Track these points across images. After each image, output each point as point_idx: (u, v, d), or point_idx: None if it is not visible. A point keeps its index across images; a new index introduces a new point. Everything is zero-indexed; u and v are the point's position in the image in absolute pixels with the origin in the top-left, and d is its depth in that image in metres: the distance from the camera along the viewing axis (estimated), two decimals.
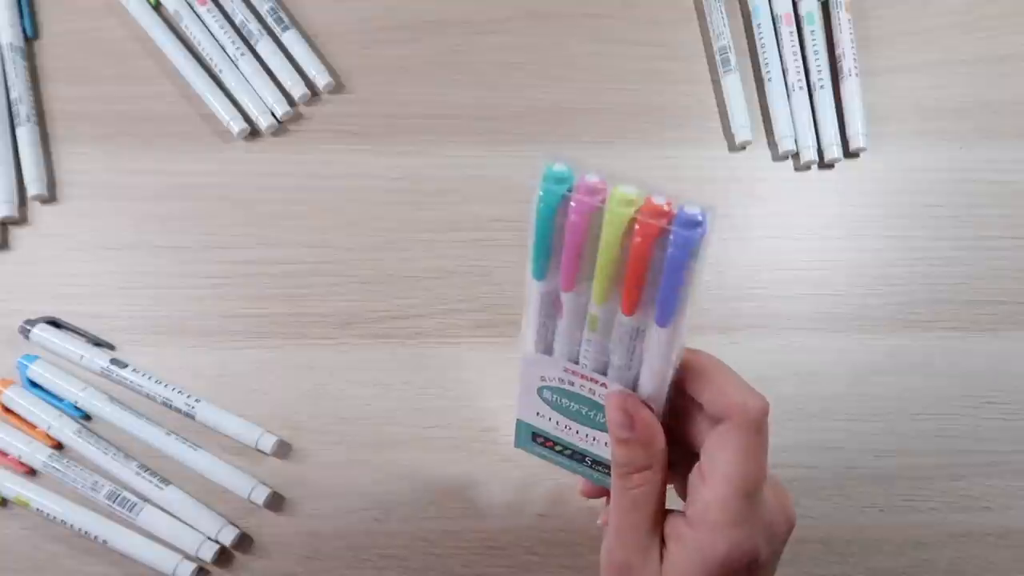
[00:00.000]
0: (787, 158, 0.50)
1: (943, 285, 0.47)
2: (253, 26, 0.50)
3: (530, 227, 0.24)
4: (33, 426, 0.42)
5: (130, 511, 0.40)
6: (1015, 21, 0.53)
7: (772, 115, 0.50)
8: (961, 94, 0.52)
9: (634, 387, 0.27)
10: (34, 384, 0.43)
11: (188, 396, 0.42)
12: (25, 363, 0.43)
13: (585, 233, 0.23)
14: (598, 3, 0.53)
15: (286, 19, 0.50)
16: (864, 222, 0.49)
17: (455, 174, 0.48)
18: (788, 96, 0.50)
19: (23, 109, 0.47)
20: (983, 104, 0.51)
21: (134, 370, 0.43)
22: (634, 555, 0.27)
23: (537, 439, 0.32)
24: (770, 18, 0.52)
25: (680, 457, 0.28)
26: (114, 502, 0.40)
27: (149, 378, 0.43)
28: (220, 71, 0.49)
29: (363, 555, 0.41)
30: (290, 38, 0.50)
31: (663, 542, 0.27)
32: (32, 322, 0.44)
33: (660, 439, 0.27)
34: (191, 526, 0.40)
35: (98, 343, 0.44)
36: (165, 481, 0.41)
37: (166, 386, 0.42)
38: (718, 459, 0.26)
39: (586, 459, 0.31)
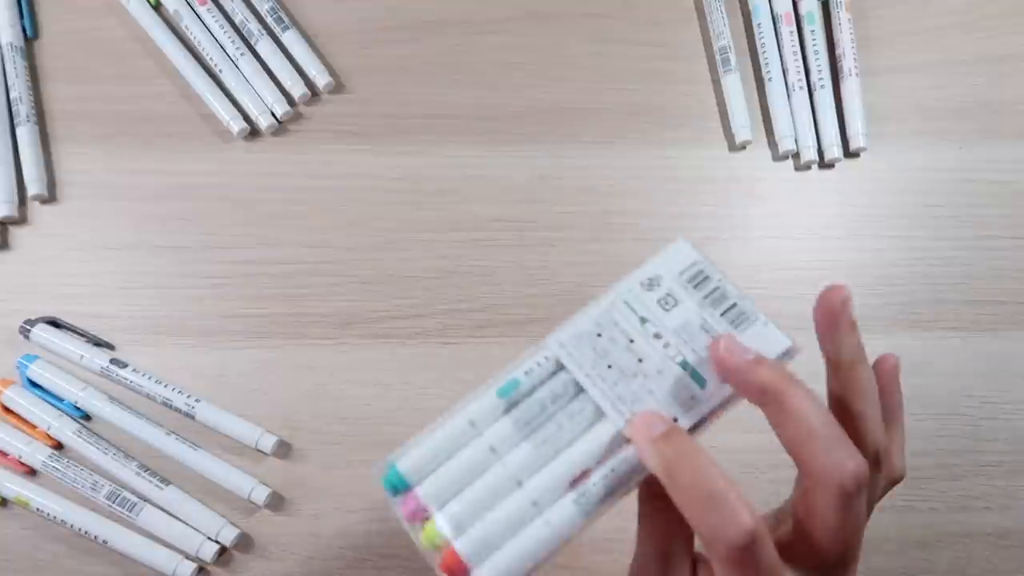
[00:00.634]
0: (787, 158, 0.50)
1: (943, 285, 0.47)
2: (253, 26, 0.50)
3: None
4: (33, 426, 0.42)
5: (130, 511, 0.40)
6: (1015, 21, 0.53)
7: (772, 115, 0.50)
8: (961, 94, 0.52)
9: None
10: (34, 384, 0.43)
11: (188, 396, 0.42)
12: (25, 363, 0.43)
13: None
14: (598, 3, 0.53)
15: (286, 19, 0.50)
16: (864, 222, 0.49)
17: (455, 174, 0.48)
18: (788, 96, 0.50)
19: (23, 109, 0.47)
20: (983, 104, 0.51)
21: (134, 370, 0.43)
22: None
23: None
24: (770, 18, 0.52)
25: None
26: (114, 502, 0.40)
27: (149, 378, 0.43)
28: (220, 71, 0.49)
29: (363, 555, 0.41)
30: (290, 38, 0.50)
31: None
32: (32, 322, 0.44)
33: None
34: (191, 526, 0.40)
35: (98, 343, 0.44)
36: (165, 481, 0.41)
37: (166, 386, 0.42)
38: (813, 528, 0.23)
39: None
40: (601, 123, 0.50)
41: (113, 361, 0.43)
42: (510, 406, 0.26)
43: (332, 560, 0.41)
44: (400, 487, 0.26)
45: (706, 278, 0.27)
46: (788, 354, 0.26)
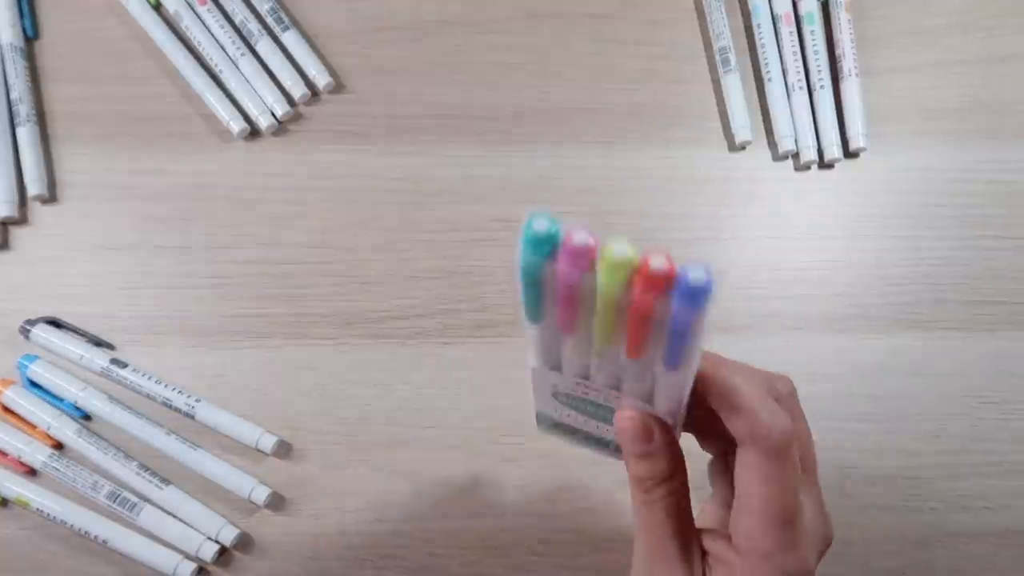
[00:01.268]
0: (787, 158, 0.50)
1: (943, 285, 0.47)
2: (253, 26, 0.50)
3: (516, 281, 0.21)
4: (33, 426, 0.42)
5: (130, 511, 0.40)
6: (1015, 21, 0.53)
7: (772, 115, 0.50)
8: (961, 94, 0.52)
9: (650, 397, 0.27)
10: (34, 384, 0.43)
11: (188, 396, 0.42)
12: (25, 363, 0.43)
13: (576, 297, 0.21)
14: (598, 3, 0.53)
15: (286, 19, 0.50)
16: (864, 222, 0.49)
17: (455, 174, 0.48)
18: (788, 96, 0.50)
19: (23, 109, 0.47)
20: (983, 104, 0.51)
21: (134, 370, 0.43)
22: (677, 568, 0.26)
23: (558, 426, 0.32)
24: (770, 18, 0.52)
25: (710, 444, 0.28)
26: (114, 502, 0.40)
27: (149, 378, 0.43)
28: (220, 71, 0.49)
29: (363, 555, 0.41)
30: (290, 38, 0.50)
31: (705, 561, 0.27)
32: (32, 322, 0.44)
33: (679, 449, 0.27)
34: (191, 526, 0.40)
35: (98, 343, 0.44)
36: (165, 481, 0.41)
37: (166, 386, 0.42)
38: (751, 488, 0.25)
39: (610, 444, 0.31)
40: (601, 123, 0.50)
41: (113, 361, 0.43)
42: None
43: (332, 560, 0.41)
44: (552, 237, 0.20)
45: None
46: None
